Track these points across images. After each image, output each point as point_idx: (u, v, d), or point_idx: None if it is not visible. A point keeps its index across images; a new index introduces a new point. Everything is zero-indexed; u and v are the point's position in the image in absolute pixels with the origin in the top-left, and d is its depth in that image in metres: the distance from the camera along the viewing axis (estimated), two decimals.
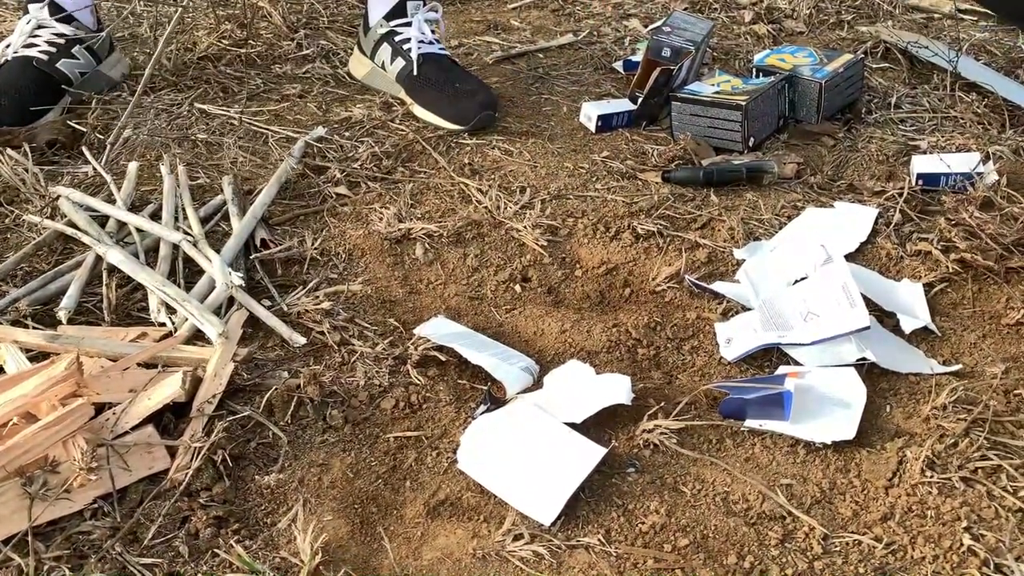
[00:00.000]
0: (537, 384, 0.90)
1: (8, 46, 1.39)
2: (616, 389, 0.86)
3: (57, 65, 1.36)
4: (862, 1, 1.79)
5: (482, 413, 0.86)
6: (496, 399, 0.88)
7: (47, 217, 1.11)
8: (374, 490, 0.80)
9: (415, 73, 1.36)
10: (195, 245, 1.04)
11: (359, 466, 0.82)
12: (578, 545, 0.74)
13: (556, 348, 0.97)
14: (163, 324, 0.96)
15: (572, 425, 0.83)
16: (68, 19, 1.40)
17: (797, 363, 0.93)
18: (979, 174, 1.17)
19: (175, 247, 1.05)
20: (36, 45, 1.37)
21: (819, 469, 0.81)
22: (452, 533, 0.76)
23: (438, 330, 0.96)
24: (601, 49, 1.62)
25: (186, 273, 1.04)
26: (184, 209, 1.11)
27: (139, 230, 1.07)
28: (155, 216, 1.12)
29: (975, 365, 0.93)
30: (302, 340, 0.95)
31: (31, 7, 1.39)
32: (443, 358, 0.93)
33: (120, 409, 0.82)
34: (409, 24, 1.39)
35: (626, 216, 1.14)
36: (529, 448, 0.81)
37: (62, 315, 0.95)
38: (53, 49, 1.37)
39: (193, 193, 1.16)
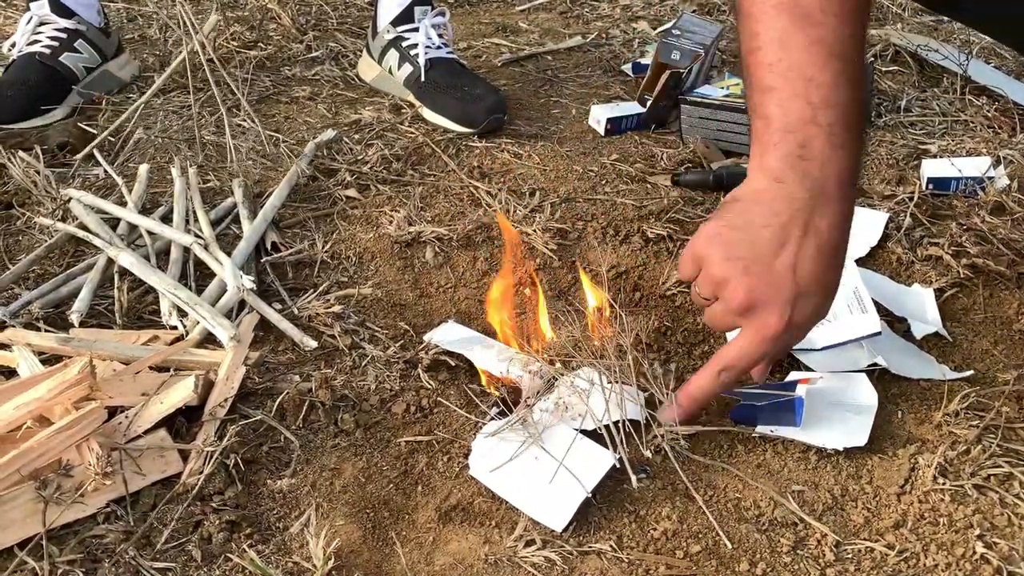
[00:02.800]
0: (548, 389, 0.90)
1: (13, 45, 1.40)
2: (629, 406, 0.85)
3: (60, 59, 1.37)
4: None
5: (492, 419, 0.86)
6: (507, 405, 0.88)
7: (59, 220, 1.11)
8: (386, 495, 0.80)
9: (423, 79, 1.36)
10: (206, 248, 1.04)
11: (371, 470, 0.82)
12: (590, 551, 0.74)
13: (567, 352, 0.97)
14: (175, 327, 0.96)
15: (583, 431, 0.83)
16: (70, 14, 1.40)
17: (808, 369, 0.92)
18: (990, 178, 1.17)
19: (186, 250, 1.06)
20: (39, 41, 1.38)
21: (831, 475, 0.81)
22: (464, 538, 0.76)
23: (447, 336, 0.96)
24: (610, 51, 1.62)
25: (197, 276, 1.04)
26: (195, 212, 1.12)
27: (150, 233, 1.08)
28: (166, 219, 1.12)
29: (987, 371, 0.93)
30: (313, 343, 0.95)
31: (32, 5, 1.40)
32: (453, 362, 0.93)
33: (133, 413, 0.82)
34: (416, 29, 1.39)
35: (636, 220, 1.14)
36: (540, 454, 0.81)
37: (74, 318, 0.95)
38: (56, 43, 1.38)
39: (203, 195, 1.16)
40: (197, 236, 1.06)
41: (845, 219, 0.74)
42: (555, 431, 0.83)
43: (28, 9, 1.41)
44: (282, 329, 0.97)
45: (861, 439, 0.83)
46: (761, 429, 0.85)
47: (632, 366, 0.86)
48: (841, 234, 0.74)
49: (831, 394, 0.87)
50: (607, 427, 0.81)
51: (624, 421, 0.81)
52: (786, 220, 0.72)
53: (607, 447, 0.81)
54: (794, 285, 0.73)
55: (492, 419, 0.86)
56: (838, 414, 0.85)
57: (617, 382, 0.85)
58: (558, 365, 0.89)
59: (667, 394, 0.85)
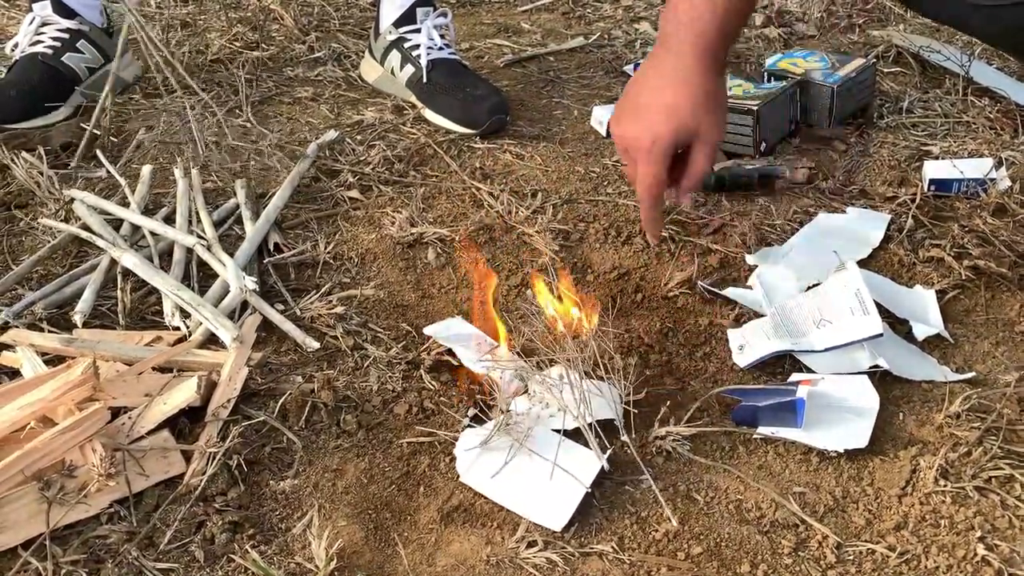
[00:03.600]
0: (524, 390, 0.89)
1: (16, 46, 1.40)
2: (607, 404, 0.85)
3: (63, 59, 1.38)
4: (873, 5, 1.78)
5: (468, 427, 0.85)
6: (484, 408, 0.87)
7: (62, 220, 1.12)
8: (388, 496, 0.80)
9: (425, 80, 1.37)
10: (209, 249, 1.05)
11: (373, 471, 0.82)
12: (591, 552, 0.75)
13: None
14: (177, 328, 0.96)
15: (564, 432, 0.83)
16: (72, 15, 1.41)
17: (810, 370, 0.93)
18: (992, 180, 1.17)
19: (189, 251, 1.06)
20: (41, 42, 1.39)
21: (832, 477, 0.81)
22: (466, 539, 0.76)
23: (445, 331, 0.97)
24: (612, 52, 1.62)
25: (199, 277, 1.04)
26: (197, 212, 1.12)
27: (153, 234, 1.08)
28: (168, 219, 1.12)
29: (988, 373, 0.93)
30: (316, 344, 0.95)
31: (35, 5, 1.41)
32: (456, 363, 0.93)
33: (136, 414, 0.83)
34: (418, 31, 1.39)
35: (638, 221, 1.14)
36: (529, 457, 0.81)
37: (77, 319, 0.96)
38: (58, 43, 1.38)
39: (206, 196, 1.16)
40: (200, 237, 1.07)
41: (692, 65, 0.89)
42: (537, 433, 0.82)
43: (31, 10, 1.42)
44: (285, 330, 0.97)
45: (862, 441, 0.83)
46: (762, 430, 0.85)
47: (591, 358, 0.85)
48: (685, 73, 0.89)
49: (832, 396, 0.87)
50: (589, 426, 0.81)
51: (593, 423, 0.81)
52: (645, 66, 0.93)
53: (588, 446, 0.81)
54: (652, 91, 0.91)
55: (468, 427, 0.85)
56: (839, 416, 0.85)
57: (584, 378, 0.84)
58: (529, 361, 0.88)
59: (626, 387, 0.86)
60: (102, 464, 0.74)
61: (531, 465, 0.80)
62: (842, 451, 0.82)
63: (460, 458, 0.82)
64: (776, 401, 0.85)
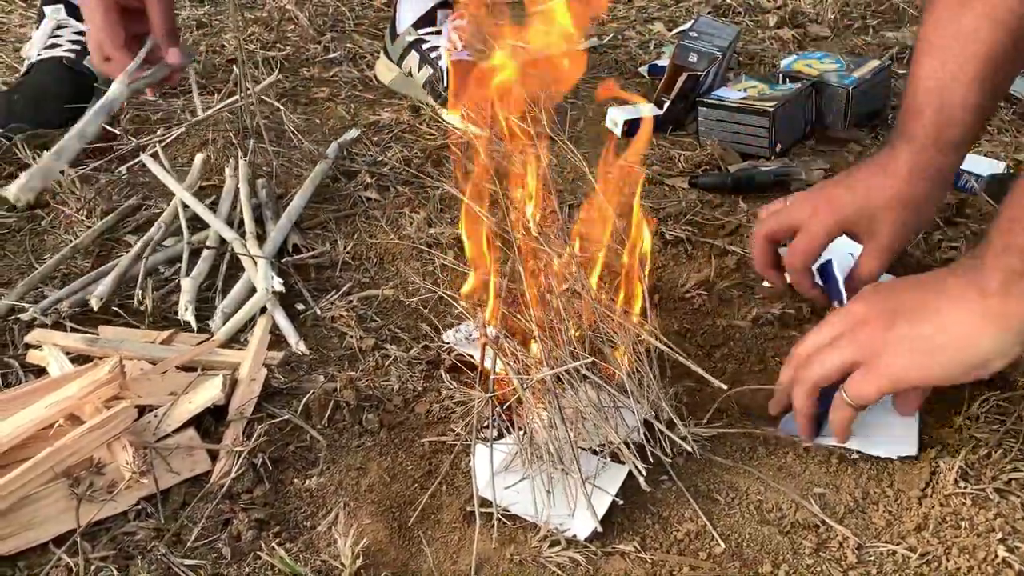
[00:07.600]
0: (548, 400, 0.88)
1: (31, 49, 1.41)
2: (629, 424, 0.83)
3: (84, 62, 1.39)
4: (887, 6, 1.78)
5: (486, 439, 0.83)
6: (505, 421, 0.84)
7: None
8: (411, 494, 0.81)
9: (443, 82, 1.37)
10: (245, 246, 1.05)
11: (396, 470, 0.83)
12: (614, 552, 0.75)
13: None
14: (187, 322, 0.97)
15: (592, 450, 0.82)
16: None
17: None
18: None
19: (221, 244, 1.06)
20: (60, 45, 1.39)
21: (852, 478, 0.82)
22: (489, 538, 0.77)
23: (463, 336, 0.97)
24: (625, 53, 1.63)
25: (225, 276, 1.05)
26: (240, 209, 1.12)
27: (190, 227, 1.08)
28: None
29: (1007, 375, 0.93)
30: (304, 349, 0.95)
31: (46, 9, 1.42)
32: (476, 363, 0.94)
33: (162, 412, 0.84)
34: (438, 32, 1.40)
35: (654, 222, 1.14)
36: (551, 471, 0.79)
37: (94, 303, 0.96)
38: (77, 47, 1.39)
39: (220, 196, 1.16)
40: (239, 235, 1.07)
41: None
42: (563, 447, 0.81)
43: (41, 14, 1.42)
44: (281, 328, 0.97)
45: (911, 449, 0.81)
46: (821, 441, 0.84)
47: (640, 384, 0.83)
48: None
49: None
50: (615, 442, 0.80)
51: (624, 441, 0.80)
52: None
53: (617, 461, 0.80)
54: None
55: (487, 439, 0.82)
56: (884, 420, 0.83)
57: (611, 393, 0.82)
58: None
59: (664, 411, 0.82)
60: (135, 461, 0.75)
61: (555, 478, 0.79)
62: (895, 459, 0.81)
63: (479, 473, 0.80)
64: (823, 409, 0.84)
